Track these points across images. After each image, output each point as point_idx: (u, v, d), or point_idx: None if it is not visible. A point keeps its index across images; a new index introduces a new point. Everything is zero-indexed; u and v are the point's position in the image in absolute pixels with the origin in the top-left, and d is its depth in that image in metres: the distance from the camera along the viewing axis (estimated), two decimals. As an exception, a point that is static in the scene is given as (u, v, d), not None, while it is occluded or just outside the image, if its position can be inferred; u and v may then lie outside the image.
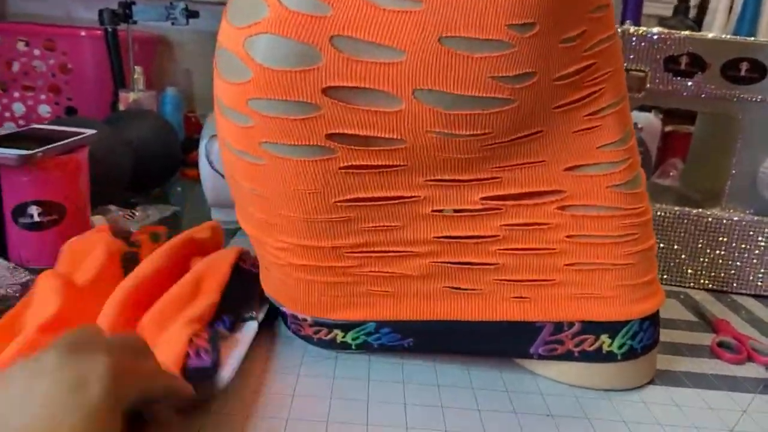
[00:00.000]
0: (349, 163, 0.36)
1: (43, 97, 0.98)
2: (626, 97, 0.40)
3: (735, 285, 0.62)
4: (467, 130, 0.35)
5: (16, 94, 0.98)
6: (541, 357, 0.42)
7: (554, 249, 0.39)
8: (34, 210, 0.51)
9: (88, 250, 0.47)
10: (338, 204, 0.37)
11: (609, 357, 0.41)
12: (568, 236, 0.39)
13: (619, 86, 0.39)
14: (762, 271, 0.62)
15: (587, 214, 0.39)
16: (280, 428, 0.34)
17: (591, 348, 0.41)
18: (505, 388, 0.41)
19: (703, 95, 0.60)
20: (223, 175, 0.63)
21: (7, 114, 0.99)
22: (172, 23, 0.87)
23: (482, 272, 0.40)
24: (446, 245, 0.39)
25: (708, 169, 0.69)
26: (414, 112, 0.34)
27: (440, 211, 0.38)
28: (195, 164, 0.93)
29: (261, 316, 0.44)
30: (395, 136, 0.35)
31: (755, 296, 0.62)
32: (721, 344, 0.49)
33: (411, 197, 0.38)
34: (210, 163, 0.62)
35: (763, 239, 0.61)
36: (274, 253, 0.41)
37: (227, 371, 0.36)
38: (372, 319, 0.41)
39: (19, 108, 0.98)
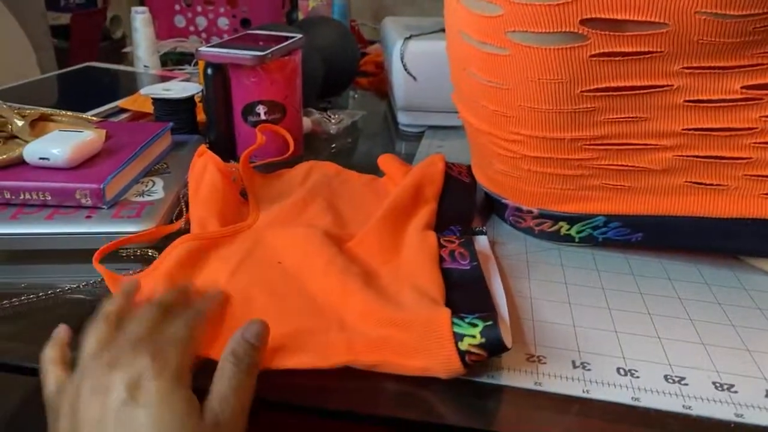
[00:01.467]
0: (602, 51, 0.35)
1: (222, 10, 1.04)
2: None
3: None
4: (742, 10, 0.32)
5: (199, 9, 1.05)
6: (785, 257, 0.40)
7: (819, 142, 0.36)
8: (261, 109, 0.56)
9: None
10: (584, 94, 0.37)
11: None
12: (837, 128, 0.36)
13: None
14: None
15: None
16: (527, 306, 0.37)
17: None
18: (742, 286, 0.40)
19: None
20: (415, 78, 0.64)
21: (192, 28, 1.06)
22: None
23: (732, 167, 0.38)
24: (696, 138, 0.38)
25: None
26: (686, -10, 0.32)
27: (695, 101, 0.37)
28: (365, 73, 0.95)
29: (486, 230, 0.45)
30: (657, 19, 0.34)
31: None
32: None
33: (664, 86, 0.36)
34: (404, 65, 0.63)
35: None
36: (504, 145, 0.42)
37: (498, 292, 0.37)
38: (604, 212, 0.42)
39: (201, 21, 1.05)
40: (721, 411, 0.29)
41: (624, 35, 0.35)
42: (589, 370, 0.32)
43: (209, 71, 0.56)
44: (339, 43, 0.77)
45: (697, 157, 0.38)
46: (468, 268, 0.38)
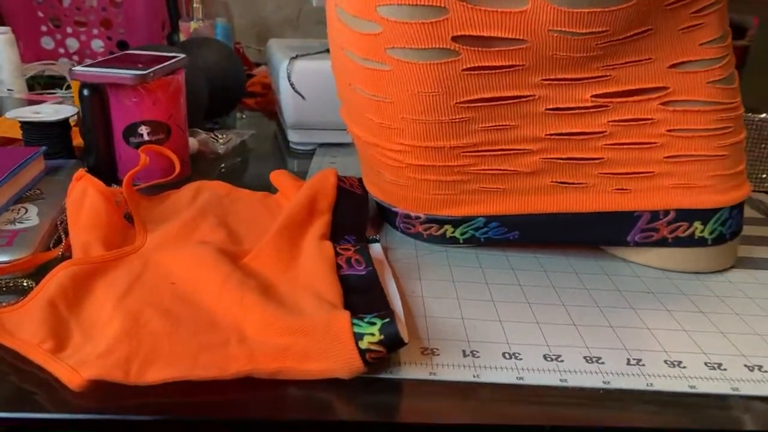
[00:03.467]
0: (472, 65, 0.39)
1: (95, 31, 0.99)
2: (725, -5, 0.42)
3: (794, 186, 0.66)
4: (587, 28, 0.37)
5: (69, 30, 0.99)
6: (637, 244, 0.45)
7: (655, 143, 0.42)
8: (143, 130, 0.54)
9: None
10: (459, 105, 0.40)
11: (700, 242, 0.45)
12: (668, 130, 0.42)
13: (721, -15, 0.41)
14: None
15: (688, 109, 0.42)
16: (419, 304, 0.39)
17: (684, 234, 0.45)
18: (604, 272, 0.45)
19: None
20: (303, 97, 0.65)
21: (62, 50, 1.00)
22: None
23: (588, 167, 0.43)
24: (557, 142, 0.42)
25: (767, 77, 0.71)
26: (538, 11, 0.37)
27: (554, 109, 0.41)
28: (252, 94, 0.95)
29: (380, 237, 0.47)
30: (518, 36, 0.38)
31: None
32: (791, 235, 0.53)
33: (527, 96, 0.41)
34: (291, 85, 0.64)
35: (825, 141, 0.64)
36: (390, 155, 0.44)
37: (393, 293, 0.39)
38: (482, 214, 0.45)
39: (72, 43, 1.00)
40: (592, 380, 0.33)
41: (491, 51, 0.38)
42: (478, 357, 0.34)
43: (85, 92, 0.54)
44: (224, 64, 0.77)
45: (560, 159, 0.43)
46: (364, 273, 0.40)
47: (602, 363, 0.34)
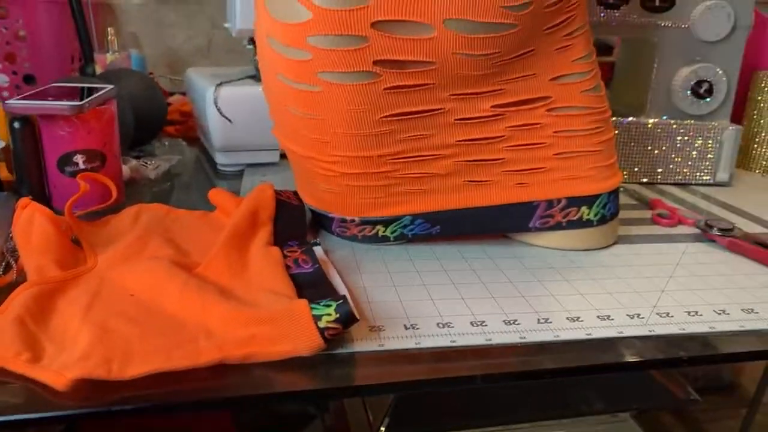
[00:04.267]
0: (391, 84, 0.46)
1: (-1, 66, 0.97)
2: (588, 22, 0.52)
3: (659, 177, 0.78)
4: (483, 51, 0.45)
5: (-30, 65, 0.96)
6: (537, 229, 0.54)
7: (545, 143, 0.51)
8: (79, 158, 0.56)
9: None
10: (383, 119, 0.47)
11: (587, 224, 0.54)
12: (554, 132, 0.51)
13: (584, 13, 0.50)
14: (680, 163, 0.78)
15: (568, 114, 0.51)
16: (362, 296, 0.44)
17: (574, 218, 0.53)
18: (513, 255, 0.53)
19: (626, 24, 0.74)
20: (230, 120, 0.69)
21: (-37, 86, 0.97)
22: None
23: (492, 166, 0.51)
24: (465, 147, 0.50)
25: (631, 87, 0.84)
26: (443, 38, 0.44)
27: (461, 119, 0.49)
28: (171, 122, 0.97)
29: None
30: (428, 59, 0.45)
31: (675, 184, 0.78)
32: (659, 215, 0.64)
33: (438, 109, 0.48)
34: (219, 110, 0.68)
35: (680, 138, 0.77)
36: (325, 166, 0.50)
37: (339, 285, 0.44)
38: (408, 213, 0.52)
39: (-25, 79, 0.97)
40: (511, 338, 0.40)
41: (406, 72, 0.45)
42: (417, 328, 0.40)
43: (16, 125, 0.55)
44: (146, 93, 0.79)
45: (468, 161, 0.50)
46: (311, 270, 0.45)
47: (518, 324, 0.41)
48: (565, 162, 0.52)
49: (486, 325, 0.41)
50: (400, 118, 0.47)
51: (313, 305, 0.37)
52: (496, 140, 0.50)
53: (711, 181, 0.79)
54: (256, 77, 0.76)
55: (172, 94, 1.14)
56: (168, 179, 0.71)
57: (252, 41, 0.76)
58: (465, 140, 0.49)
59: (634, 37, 0.79)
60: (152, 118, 0.80)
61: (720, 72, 0.75)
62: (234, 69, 0.89)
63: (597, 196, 0.53)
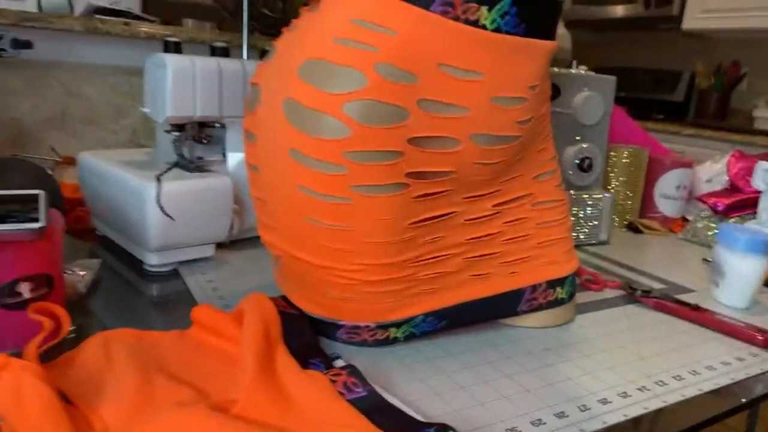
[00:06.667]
0: (419, 193, 0.47)
1: None
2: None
3: (559, 241, 0.89)
4: (496, 159, 0.49)
5: None
6: (524, 312, 0.58)
7: (531, 234, 0.56)
8: (24, 287, 0.46)
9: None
10: (409, 226, 0.47)
11: (561, 302, 0.60)
12: (537, 224, 0.56)
13: (550, 123, 0.57)
14: (575, 228, 0.90)
15: (546, 207, 0.56)
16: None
17: (552, 298, 0.59)
18: (508, 340, 0.56)
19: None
20: (173, 218, 0.63)
21: None
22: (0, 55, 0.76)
23: (492, 260, 0.54)
24: (472, 244, 0.52)
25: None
26: (467, 150, 0.47)
27: (469, 220, 0.51)
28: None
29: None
30: (452, 169, 0.47)
31: (577, 246, 0.90)
32: (587, 281, 0.73)
33: (453, 212, 0.50)
34: (161, 207, 0.61)
35: (574, 208, 0.89)
36: (344, 275, 0.48)
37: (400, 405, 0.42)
38: (422, 312, 0.52)
39: None
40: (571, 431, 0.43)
41: (432, 181, 0.47)
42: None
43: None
44: (40, 186, 0.67)
45: (474, 257, 0.53)
46: (366, 393, 0.43)
47: (568, 416, 0.45)
48: (545, 249, 0.57)
49: (545, 424, 0.43)
50: (422, 223, 0.48)
51: None
52: (495, 236, 0.54)
53: (595, 242, 0.92)
54: (186, 167, 0.70)
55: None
56: (96, 290, 0.61)
57: (177, 127, 0.70)
58: (472, 238, 0.52)
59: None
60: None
61: (597, 149, 0.90)
62: (135, 151, 0.80)
63: (566, 277, 0.60)
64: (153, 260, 0.66)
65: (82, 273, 0.60)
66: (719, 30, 2.77)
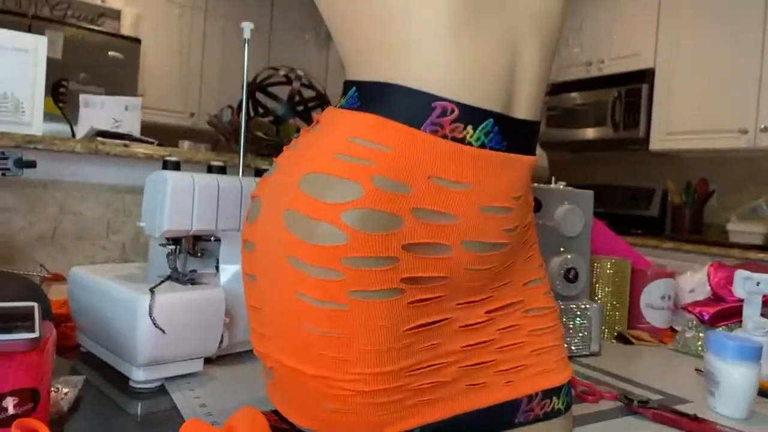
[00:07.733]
0: (414, 298, 0.47)
1: None
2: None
3: (551, 352, 0.88)
4: (487, 265, 0.50)
5: None
6: (521, 423, 0.56)
7: (524, 342, 0.56)
8: (9, 402, 0.45)
9: None
10: (405, 332, 0.48)
11: (558, 413, 0.58)
12: (530, 331, 0.57)
13: (535, 232, 0.60)
14: (569, 340, 0.89)
15: (537, 314, 0.57)
16: None
17: (549, 409, 0.58)
18: (509, 454, 0.54)
19: (511, 223, 0.88)
20: (164, 331, 0.62)
21: None
22: (3, 174, 0.79)
23: (487, 368, 0.54)
24: (466, 352, 0.52)
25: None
26: (459, 256, 0.48)
27: (463, 326, 0.52)
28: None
29: None
30: (445, 274, 0.48)
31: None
32: (582, 392, 0.72)
33: (447, 319, 0.50)
34: (153, 320, 0.61)
35: (563, 319, 0.89)
36: (340, 385, 0.47)
37: None
38: (418, 425, 0.51)
39: None
40: None
41: (426, 286, 0.48)
42: None
43: None
44: (31, 298, 0.67)
45: (469, 365, 0.53)
46: None
47: None
48: (539, 357, 0.57)
49: None
50: (417, 329, 0.49)
51: None
52: (489, 343, 0.54)
53: (587, 353, 0.92)
54: (179, 280, 0.70)
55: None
56: (79, 409, 0.58)
57: (173, 241, 0.71)
58: (467, 346, 0.52)
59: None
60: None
61: (581, 260, 0.92)
62: (127, 266, 0.81)
63: (562, 386, 0.59)
64: (139, 376, 0.64)
65: (65, 390, 0.58)
66: (685, 150, 2.96)
